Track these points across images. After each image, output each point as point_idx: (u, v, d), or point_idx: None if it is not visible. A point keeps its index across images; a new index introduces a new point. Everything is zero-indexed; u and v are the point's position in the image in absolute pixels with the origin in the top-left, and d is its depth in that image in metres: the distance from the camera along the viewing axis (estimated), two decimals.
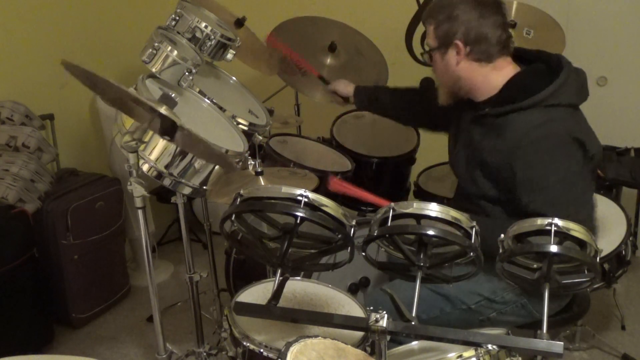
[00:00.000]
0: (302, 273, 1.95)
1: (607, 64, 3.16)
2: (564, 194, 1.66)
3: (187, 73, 1.86)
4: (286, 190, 1.39)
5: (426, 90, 2.27)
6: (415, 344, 1.57)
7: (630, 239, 2.34)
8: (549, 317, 1.34)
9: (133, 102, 1.55)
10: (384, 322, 1.27)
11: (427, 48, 1.88)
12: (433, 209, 1.37)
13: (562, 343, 1.22)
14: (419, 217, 1.39)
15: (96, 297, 2.85)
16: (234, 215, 1.42)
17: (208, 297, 2.68)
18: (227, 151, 1.75)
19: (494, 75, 1.79)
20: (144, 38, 1.89)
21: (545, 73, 1.75)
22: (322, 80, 2.63)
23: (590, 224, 1.68)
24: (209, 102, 1.99)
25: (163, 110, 1.48)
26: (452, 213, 1.38)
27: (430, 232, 1.34)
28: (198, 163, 1.75)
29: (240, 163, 1.86)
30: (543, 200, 1.66)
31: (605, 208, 2.31)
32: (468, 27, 1.75)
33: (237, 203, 1.43)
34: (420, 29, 3.33)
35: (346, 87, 2.47)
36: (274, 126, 2.39)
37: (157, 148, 1.72)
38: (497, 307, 1.81)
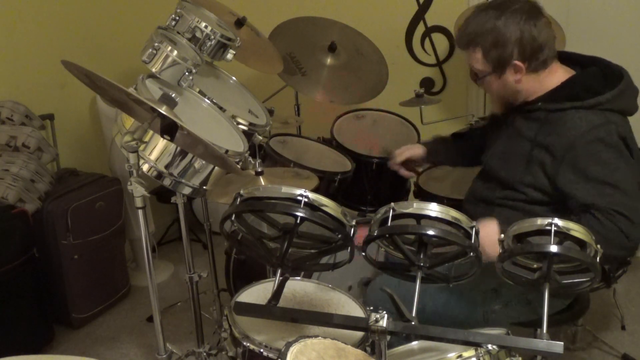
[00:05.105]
0: (302, 273, 1.95)
1: None
2: (627, 190, 1.65)
3: (187, 73, 1.86)
4: (286, 190, 1.39)
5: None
6: (415, 343, 1.57)
7: None
8: (550, 315, 1.34)
9: (133, 102, 1.55)
10: (384, 322, 1.27)
11: (474, 69, 1.80)
12: (433, 209, 1.37)
13: (562, 343, 1.22)
14: (419, 217, 1.39)
15: (96, 297, 2.85)
16: (234, 215, 1.42)
17: (208, 297, 2.68)
18: (227, 151, 1.75)
19: (549, 78, 1.79)
20: (144, 38, 1.89)
21: (602, 78, 1.77)
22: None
23: None
24: (209, 102, 1.99)
25: (163, 110, 1.48)
26: (452, 213, 1.38)
27: (430, 232, 1.34)
28: (198, 163, 1.75)
29: (240, 163, 1.86)
30: (610, 197, 1.64)
31: None
32: (522, 44, 1.71)
33: (237, 203, 1.43)
34: (420, 29, 3.34)
35: (417, 149, 2.30)
36: (274, 126, 2.38)
37: (157, 148, 1.72)
38: (503, 298, 1.81)
